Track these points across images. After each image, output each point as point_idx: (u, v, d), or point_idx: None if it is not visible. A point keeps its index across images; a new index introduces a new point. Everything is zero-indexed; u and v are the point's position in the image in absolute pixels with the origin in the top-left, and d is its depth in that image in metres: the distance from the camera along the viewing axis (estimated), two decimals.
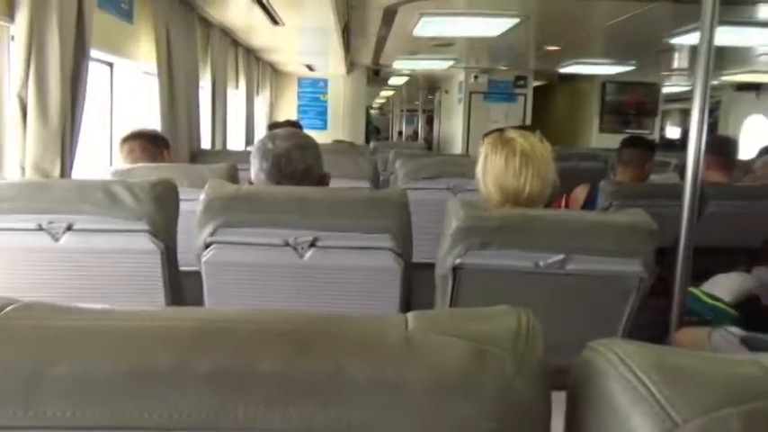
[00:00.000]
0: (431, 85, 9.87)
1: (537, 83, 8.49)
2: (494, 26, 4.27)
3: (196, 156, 3.19)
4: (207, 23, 3.73)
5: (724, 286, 2.85)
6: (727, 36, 4.49)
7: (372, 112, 16.33)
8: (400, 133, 12.89)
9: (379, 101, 14.87)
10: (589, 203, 3.16)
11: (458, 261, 1.23)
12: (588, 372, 0.44)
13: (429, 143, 9.75)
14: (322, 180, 1.53)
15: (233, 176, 2.02)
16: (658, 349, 0.42)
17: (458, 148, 7.66)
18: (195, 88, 3.24)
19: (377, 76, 7.79)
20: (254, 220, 1.22)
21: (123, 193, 1.26)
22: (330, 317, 0.44)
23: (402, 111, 12.88)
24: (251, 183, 1.53)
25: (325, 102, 7.26)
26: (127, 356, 0.40)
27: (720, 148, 3.46)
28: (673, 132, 11.22)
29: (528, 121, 7.66)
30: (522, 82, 7.66)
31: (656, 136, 8.38)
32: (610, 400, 0.41)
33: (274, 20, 3.55)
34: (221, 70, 3.87)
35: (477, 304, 1.30)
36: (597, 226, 1.24)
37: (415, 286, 1.56)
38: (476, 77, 7.48)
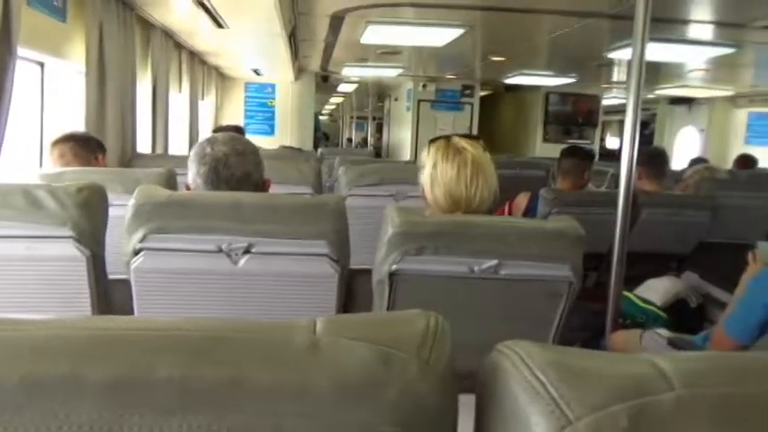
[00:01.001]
0: (380, 93, 9.95)
1: (483, 92, 8.69)
2: (439, 36, 4.35)
3: (133, 160, 3.09)
4: (147, 24, 3.63)
5: (656, 290, 2.98)
6: (659, 52, 4.73)
7: (322, 118, 16.29)
8: (350, 140, 12.92)
9: (328, 107, 14.86)
10: (530, 210, 3.25)
11: (394, 267, 1.24)
12: (493, 373, 0.45)
13: (378, 150, 9.81)
14: (261, 186, 1.51)
15: (170, 181, 1.97)
16: (559, 350, 0.44)
17: (406, 155, 7.74)
18: (131, 90, 3.14)
19: (326, 82, 7.79)
20: (185, 226, 1.19)
21: (46, 197, 1.21)
22: (234, 323, 0.43)
23: (352, 118, 12.91)
24: (188, 188, 1.49)
25: (273, 107, 7.19)
26: (16, 368, 0.38)
27: (652, 158, 3.62)
28: (612, 143, 11.68)
29: (475, 130, 7.82)
30: (468, 91, 7.83)
31: (596, 146, 8.71)
32: (512, 400, 0.42)
33: (218, 23, 3.49)
34: (163, 73, 3.77)
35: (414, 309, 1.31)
36: (528, 232, 1.27)
37: (359, 293, 1.55)
38: (424, 86, 7.60)
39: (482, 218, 1.36)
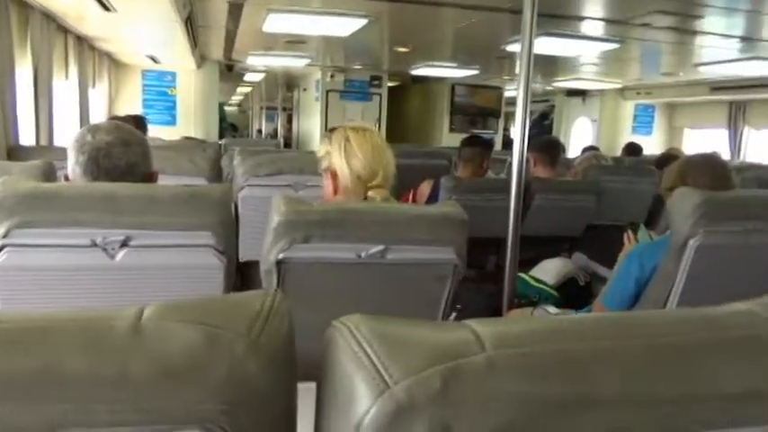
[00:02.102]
0: (289, 83, 9.79)
1: (392, 83, 8.78)
2: (344, 26, 4.34)
3: (13, 152, 2.86)
4: (24, 5, 3.35)
5: (548, 271, 3.16)
6: (552, 46, 4.99)
7: (230, 109, 15.81)
8: (260, 131, 12.63)
9: (236, 97, 14.43)
10: (433, 197, 3.35)
11: (281, 255, 1.24)
12: (328, 347, 0.46)
13: (289, 141, 9.67)
14: (148, 178, 1.45)
15: (48, 174, 1.84)
16: (388, 321, 0.46)
17: (316, 145, 7.67)
18: (9, 77, 2.90)
19: (231, 71, 7.56)
20: (54, 219, 1.12)
21: None
22: (59, 312, 0.42)
23: (262, 108, 12.62)
24: (66, 179, 1.41)
25: (174, 96, 6.87)
26: None
27: (547, 147, 3.83)
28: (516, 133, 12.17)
29: (383, 120, 7.90)
30: (377, 82, 7.89)
31: (499, 136, 9.07)
32: (341, 370, 0.43)
33: (104, 5, 3.29)
34: (45, 58, 3.50)
35: (303, 298, 1.32)
36: (414, 218, 1.31)
37: (258, 284, 1.53)
38: (332, 76, 7.57)
39: (369, 205, 1.38)
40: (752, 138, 8.09)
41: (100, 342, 0.39)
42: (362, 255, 1.27)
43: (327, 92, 7.63)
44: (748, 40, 4.76)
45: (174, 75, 6.84)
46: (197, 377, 0.40)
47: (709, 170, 1.81)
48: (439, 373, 0.41)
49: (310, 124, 8.31)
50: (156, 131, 6.06)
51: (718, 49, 5.17)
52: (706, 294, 1.17)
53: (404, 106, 9.66)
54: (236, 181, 2.19)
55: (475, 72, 7.26)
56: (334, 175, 1.54)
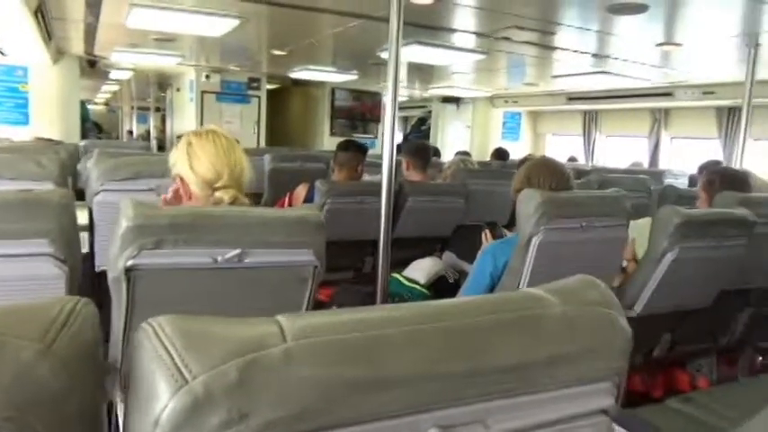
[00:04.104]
0: (162, 82, 9.31)
1: (271, 85, 8.67)
2: (216, 25, 4.23)
3: None
4: None
5: (420, 270, 3.29)
6: (423, 54, 5.22)
7: (97, 108, 14.71)
8: (131, 132, 11.88)
9: (103, 96, 13.45)
10: (309, 200, 3.36)
11: (130, 263, 1.19)
12: (135, 350, 0.46)
13: (162, 143, 9.19)
14: None
15: None
16: (195, 319, 0.47)
17: None
18: None
19: (93, 67, 7.03)
20: None
21: None
22: None
23: (133, 108, 11.89)
24: None
25: (26, 93, 6.26)
26: None
27: (418, 151, 3.99)
28: (396, 137, 12.53)
29: (263, 123, 7.77)
30: (255, 84, 7.74)
31: (379, 140, 9.28)
32: (144, 371, 0.44)
33: None
34: None
35: (156, 306, 1.27)
36: (271, 221, 1.31)
37: None
38: (207, 76, 7.31)
39: (224, 208, 1.37)
40: (603, 143, 8.99)
41: None
42: (218, 259, 1.25)
43: (203, 93, 7.37)
44: (598, 56, 5.29)
45: (25, 69, 6.22)
46: None
47: (550, 172, 2.00)
48: (236, 366, 0.43)
49: (184, 126, 7.95)
50: (4, 131, 5.49)
51: (571, 63, 5.70)
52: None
53: (285, 109, 9.57)
54: (90, 185, 2.05)
55: (354, 77, 7.38)
56: (182, 181, 1.52)
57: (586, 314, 0.59)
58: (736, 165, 4.17)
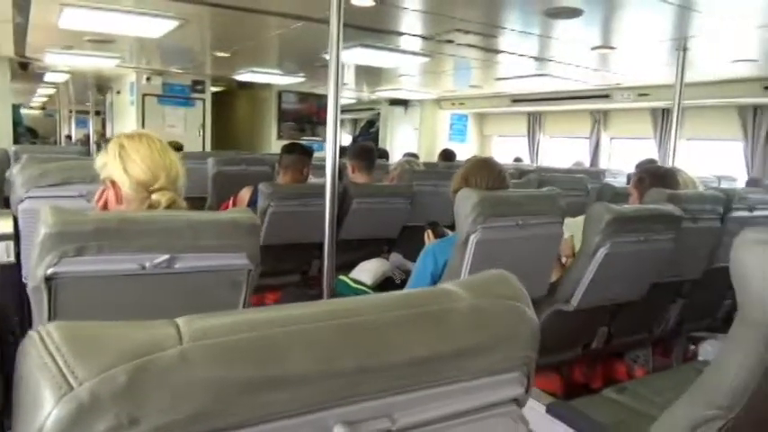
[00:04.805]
0: (101, 85, 9.00)
1: (216, 88, 8.51)
2: (154, 26, 4.12)
3: None
4: None
5: (366, 271, 3.29)
6: (368, 57, 5.23)
7: (33, 112, 14.07)
8: (69, 137, 11.41)
9: (39, 99, 12.87)
10: (253, 203, 3.31)
11: (50, 271, 1.14)
12: (21, 360, 0.44)
13: (102, 148, 8.86)
14: None
15: None
16: (83, 325, 0.46)
17: None
18: None
19: (25, 70, 6.73)
20: None
21: None
22: None
23: (71, 112, 11.42)
24: None
25: None
26: None
27: (362, 154, 3.99)
28: (344, 140, 12.54)
29: (208, 126, 7.61)
30: (199, 86, 7.59)
31: None
32: (29, 380, 0.42)
33: None
34: None
35: (81, 314, 1.23)
36: (202, 224, 1.29)
37: None
38: (148, 79, 7.12)
39: (152, 213, 1.33)
40: (547, 144, 9.25)
41: None
42: (147, 265, 1.22)
43: (144, 95, 7.16)
44: (539, 59, 5.44)
45: None
46: None
47: (486, 172, 2.04)
48: (125, 370, 0.42)
49: (126, 130, 7.71)
50: None
51: (515, 66, 5.84)
52: None
53: (231, 112, 9.41)
54: (15, 192, 1.96)
55: (301, 79, 7.33)
56: (114, 185, 1.47)
57: (495, 307, 0.60)
58: (668, 163, 4.37)
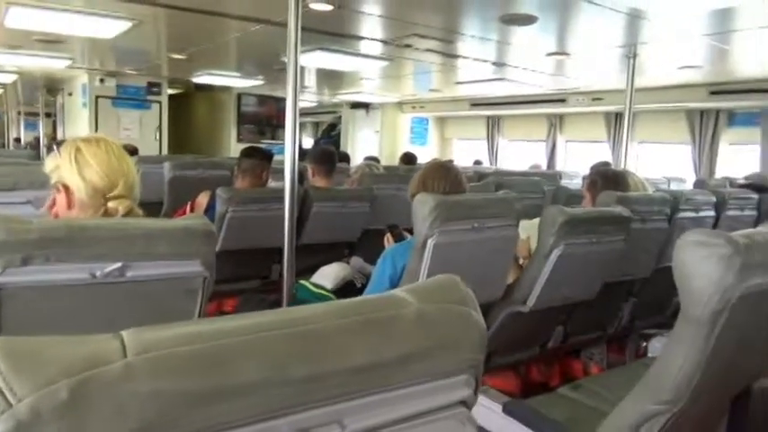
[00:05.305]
0: (51, 86, 8.70)
1: (173, 90, 8.34)
2: (105, 27, 4.01)
3: None
4: None
5: (326, 276, 3.29)
6: (328, 60, 5.23)
7: None
8: (18, 140, 11.00)
9: None
10: (211, 208, 3.26)
11: None
12: None
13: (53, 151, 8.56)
14: None
15: None
16: (23, 340, 0.45)
17: None
18: None
19: None
20: None
21: None
22: None
23: (20, 114, 11.02)
24: None
25: None
26: None
27: (323, 157, 3.98)
28: (307, 143, 12.48)
29: (165, 129, 7.45)
30: (156, 89, 7.42)
31: None
32: None
33: None
34: None
35: (29, 327, 1.19)
36: (155, 232, 1.26)
37: None
38: (101, 80, 6.91)
39: (103, 220, 1.31)
40: (506, 147, 9.41)
41: None
42: (97, 274, 1.19)
43: (97, 97, 6.95)
44: (497, 64, 5.54)
45: None
46: None
47: (443, 176, 2.07)
48: (67, 385, 0.41)
49: (78, 132, 7.48)
50: None
51: (473, 70, 5.93)
52: None
53: (189, 115, 9.24)
54: None
55: (260, 82, 7.26)
56: (67, 189, 1.42)
57: (442, 312, 0.62)
58: (620, 166, 4.52)
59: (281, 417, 0.50)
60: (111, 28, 3.99)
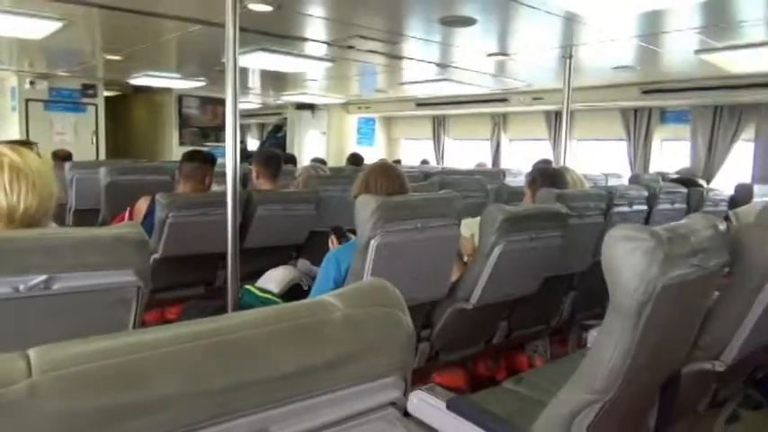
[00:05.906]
0: None
1: (110, 92, 8.04)
2: (33, 27, 3.83)
3: None
4: None
5: (272, 279, 3.24)
6: (271, 61, 5.16)
7: None
8: None
9: None
10: (150, 214, 3.17)
11: None
12: None
13: None
14: None
15: None
16: None
17: None
18: None
19: None
20: None
21: None
22: None
23: None
24: None
25: None
26: None
27: (268, 160, 3.92)
28: (253, 144, 12.28)
29: (102, 133, 7.17)
30: (91, 91, 7.13)
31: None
32: None
33: None
34: None
35: None
36: (84, 241, 1.21)
37: None
38: (32, 83, 6.59)
39: (24, 231, 1.25)
40: (452, 146, 9.55)
41: None
42: (21, 288, 1.13)
43: (27, 101, 6.62)
44: (440, 65, 5.61)
45: None
46: None
47: (385, 177, 2.08)
48: None
49: (8, 137, 7.11)
50: None
51: (418, 71, 5.99)
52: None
53: (127, 118, 8.93)
54: None
55: (202, 83, 7.10)
56: None
57: (369, 315, 0.62)
58: (560, 163, 4.67)
59: (200, 429, 0.49)
60: (39, 28, 3.81)
